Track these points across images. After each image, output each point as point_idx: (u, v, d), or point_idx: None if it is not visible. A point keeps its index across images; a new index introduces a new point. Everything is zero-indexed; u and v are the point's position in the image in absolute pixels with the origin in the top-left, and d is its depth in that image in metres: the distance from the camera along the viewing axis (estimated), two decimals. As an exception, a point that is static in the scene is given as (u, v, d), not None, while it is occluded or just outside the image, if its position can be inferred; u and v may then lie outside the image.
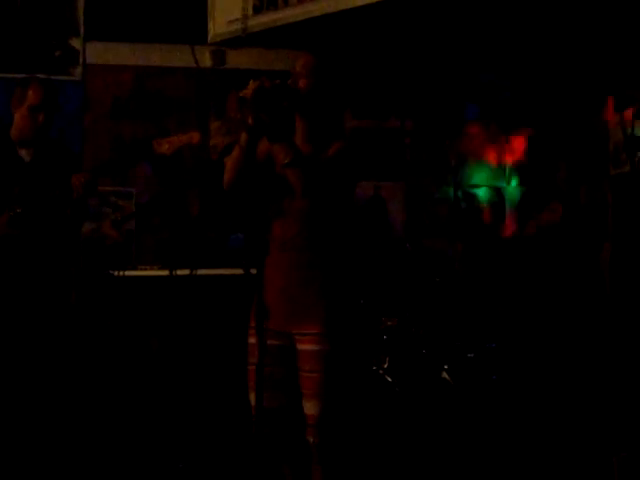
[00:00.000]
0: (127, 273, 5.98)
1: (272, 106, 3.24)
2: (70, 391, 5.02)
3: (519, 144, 7.01)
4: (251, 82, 3.24)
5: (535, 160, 6.90)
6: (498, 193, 7.04)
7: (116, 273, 5.90)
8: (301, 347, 3.40)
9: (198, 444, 5.09)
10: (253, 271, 3.14)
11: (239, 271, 5.60)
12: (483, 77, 6.83)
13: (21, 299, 4.04)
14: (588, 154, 6.46)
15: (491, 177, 7.08)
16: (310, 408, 3.39)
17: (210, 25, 6.41)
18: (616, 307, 6.01)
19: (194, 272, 5.80)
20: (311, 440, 3.41)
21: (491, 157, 7.10)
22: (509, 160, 7.05)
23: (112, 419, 5.38)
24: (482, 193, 7.06)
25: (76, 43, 6.27)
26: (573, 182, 6.49)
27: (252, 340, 3.41)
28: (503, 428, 4.98)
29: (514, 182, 7.04)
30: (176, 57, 6.45)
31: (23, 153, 4.13)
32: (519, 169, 7.02)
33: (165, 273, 5.94)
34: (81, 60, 6.29)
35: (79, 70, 6.29)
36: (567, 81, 6.43)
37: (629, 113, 6.18)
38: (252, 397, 3.33)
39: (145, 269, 6.09)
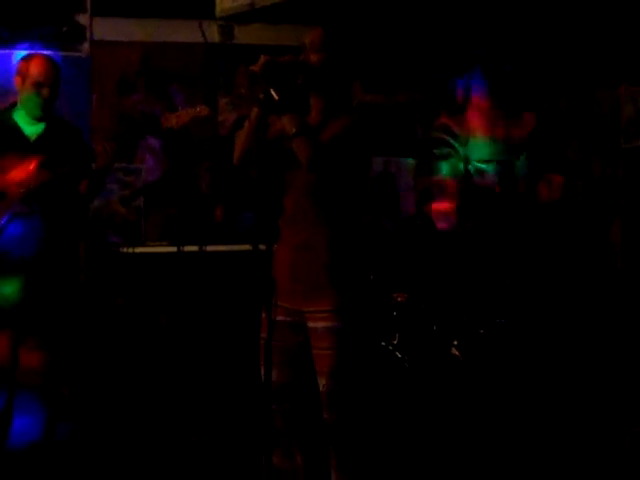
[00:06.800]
0: (136, 250, 6.00)
1: (282, 81, 3.21)
2: (79, 366, 5.04)
3: (529, 118, 6.96)
4: (261, 56, 3.22)
5: (545, 134, 6.85)
6: (508, 168, 6.99)
7: (125, 250, 5.90)
8: (313, 325, 3.38)
9: (208, 419, 5.10)
10: (262, 247, 3.11)
11: (248, 247, 5.61)
12: (484, 51, 6.77)
13: (32, 274, 4.04)
14: (600, 127, 6.41)
15: (500, 152, 7.04)
16: (325, 385, 3.38)
17: (217, 0, 6.36)
18: (627, 282, 6.00)
19: (203, 248, 5.80)
20: (327, 417, 3.40)
21: (500, 132, 7.05)
22: (518, 135, 7.00)
23: (121, 394, 5.40)
24: (491, 168, 7.02)
25: (83, 19, 6.22)
26: (585, 156, 6.45)
27: (264, 315, 3.40)
28: (512, 404, 4.98)
29: (523, 157, 7.00)
30: (183, 33, 6.39)
31: (29, 131, 4.11)
32: (529, 144, 6.98)
33: (173, 250, 5.95)
34: (88, 36, 6.24)
35: (86, 46, 6.23)
36: (578, 54, 6.38)
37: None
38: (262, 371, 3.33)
39: (154, 245, 6.09)
